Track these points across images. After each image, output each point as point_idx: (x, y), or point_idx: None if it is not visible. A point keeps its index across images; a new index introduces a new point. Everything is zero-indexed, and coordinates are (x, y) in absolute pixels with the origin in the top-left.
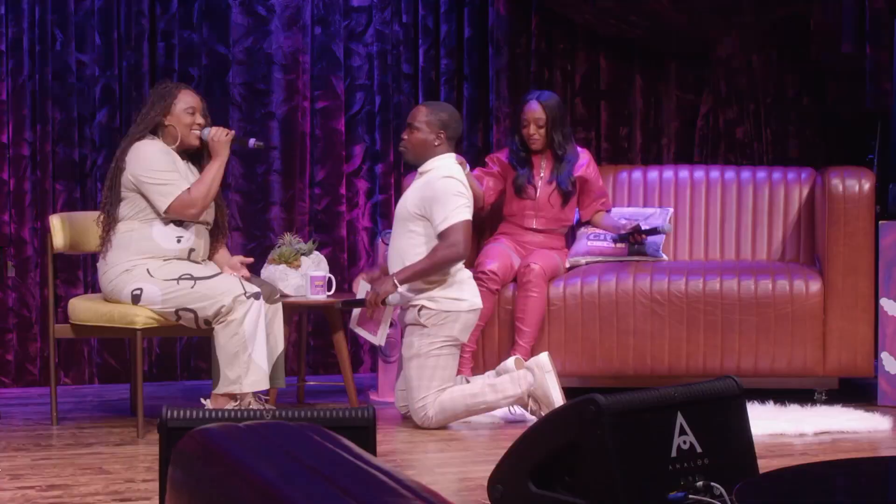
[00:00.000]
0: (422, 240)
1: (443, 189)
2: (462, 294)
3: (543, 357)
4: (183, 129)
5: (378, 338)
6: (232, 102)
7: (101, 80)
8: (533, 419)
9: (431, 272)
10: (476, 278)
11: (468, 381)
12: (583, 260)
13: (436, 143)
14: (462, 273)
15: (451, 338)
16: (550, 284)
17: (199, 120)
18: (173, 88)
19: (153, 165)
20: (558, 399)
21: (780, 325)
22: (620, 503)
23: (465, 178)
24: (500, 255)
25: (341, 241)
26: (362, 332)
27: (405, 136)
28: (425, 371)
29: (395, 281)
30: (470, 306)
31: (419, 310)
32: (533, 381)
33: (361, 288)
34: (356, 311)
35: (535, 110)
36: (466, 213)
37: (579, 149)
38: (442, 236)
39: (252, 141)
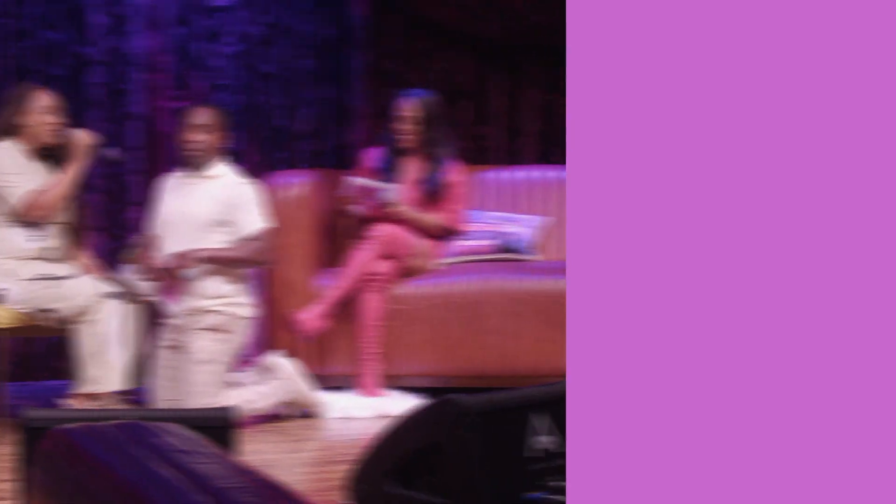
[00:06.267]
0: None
1: (247, 194)
2: (250, 300)
3: (283, 361)
4: (39, 127)
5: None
6: (92, 103)
7: None
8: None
9: (233, 264)
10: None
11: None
12: (456, 261)
13: (216, 146)
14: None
15: (241, 344)
16: (409, 284)
17: (59, 119)
18: (27, 89)
19: None
20: (307, 391)
21: None
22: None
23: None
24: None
25: None
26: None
27: (190, 138)
28: (215, 377)
29: (195, 257)
30: (255, 312)
31: (219, 315)
32: (290, 388)
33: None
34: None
35: (408, 106)
36: (273, 220)
37: (453, 163)
38: (251, 239)
39: (109, 152)
